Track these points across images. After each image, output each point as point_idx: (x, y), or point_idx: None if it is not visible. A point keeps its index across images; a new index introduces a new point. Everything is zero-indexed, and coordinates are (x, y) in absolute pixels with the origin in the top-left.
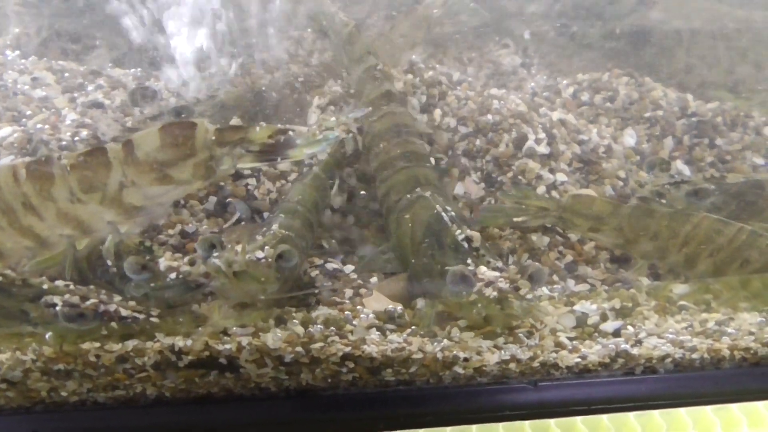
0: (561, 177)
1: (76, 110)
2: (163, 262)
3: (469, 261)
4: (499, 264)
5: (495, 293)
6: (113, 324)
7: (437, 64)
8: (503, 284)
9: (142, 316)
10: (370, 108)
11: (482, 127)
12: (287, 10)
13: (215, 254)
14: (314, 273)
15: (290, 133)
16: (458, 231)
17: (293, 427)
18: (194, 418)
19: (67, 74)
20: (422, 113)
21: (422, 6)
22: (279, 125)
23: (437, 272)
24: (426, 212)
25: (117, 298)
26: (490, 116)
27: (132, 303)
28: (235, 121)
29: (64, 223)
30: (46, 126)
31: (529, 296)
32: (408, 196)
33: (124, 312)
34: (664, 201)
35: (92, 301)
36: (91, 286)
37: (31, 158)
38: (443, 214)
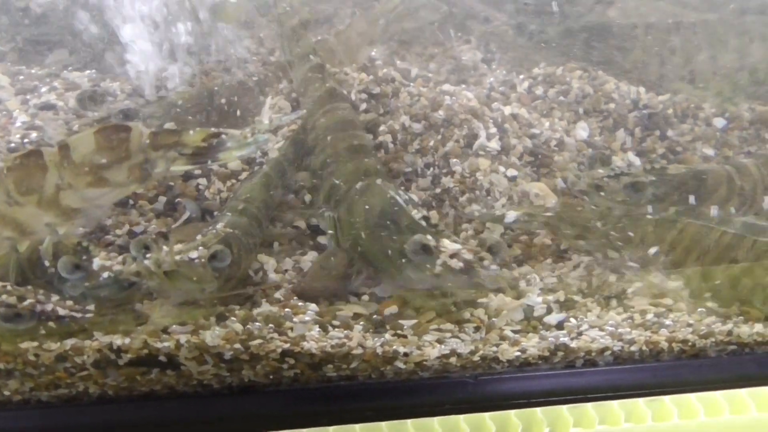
0: (512, 172)
1: (28, 112)
2: (97, 262)
3: (429, 237)
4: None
5: (461, 264)
6: (51, 323)
7: (398, 60)
8: (467, 255)
9: (79, 315)
10: (304, 111)
11: (433, 124)
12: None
13: (148, 255)
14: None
15: (222, 136)
16: (414, 211)
17: (237, 423)
18: (138, 416)
19: (22, 77)
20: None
21: (380, 2)
22: (212, 129)
23: (397, 252)
24: (380, 197)
25: (55, 297)
26: (441, 112)
27: (69, 302)
28: (169, 125)
29: (2, 225)
30: None
31: (493, 267)
32: (358, 185)
33: (61, 311)
34: (602, 194)
35: (29, 301)
36: (29, 287)
37: None
38: (397, 197)
